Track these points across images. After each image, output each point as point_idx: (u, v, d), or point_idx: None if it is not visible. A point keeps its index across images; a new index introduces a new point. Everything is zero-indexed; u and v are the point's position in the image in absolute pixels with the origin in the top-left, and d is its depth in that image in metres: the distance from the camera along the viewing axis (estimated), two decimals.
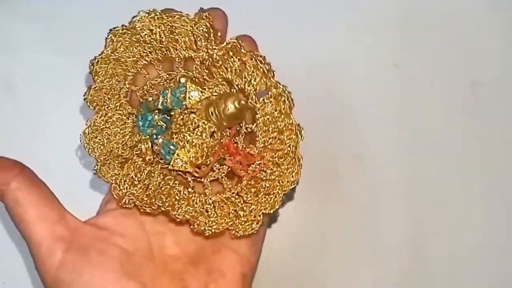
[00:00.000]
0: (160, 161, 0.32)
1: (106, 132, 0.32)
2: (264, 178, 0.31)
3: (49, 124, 0.43)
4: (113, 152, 0.32)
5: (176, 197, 0.32)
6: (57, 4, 0.45)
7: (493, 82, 0.45)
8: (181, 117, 0.31)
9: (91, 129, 0.32)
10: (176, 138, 0.31)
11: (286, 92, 0.31)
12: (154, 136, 0.32)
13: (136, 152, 0.32)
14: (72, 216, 0.32)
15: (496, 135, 0.45)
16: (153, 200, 0.31)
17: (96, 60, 0.32)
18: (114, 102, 0.32)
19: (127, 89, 0.33)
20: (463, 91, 0.45)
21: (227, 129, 0.32)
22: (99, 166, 0.32)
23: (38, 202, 0.31)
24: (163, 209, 0.31)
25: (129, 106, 0.33)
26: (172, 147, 0.31)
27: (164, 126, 0.32)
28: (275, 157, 0.31)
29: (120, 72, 0.32)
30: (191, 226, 0.31)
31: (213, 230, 0.31)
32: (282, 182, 0.31)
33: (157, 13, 0.32)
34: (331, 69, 0.45)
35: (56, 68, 0.44)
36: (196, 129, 0.31)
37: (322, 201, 0.44)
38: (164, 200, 0.31)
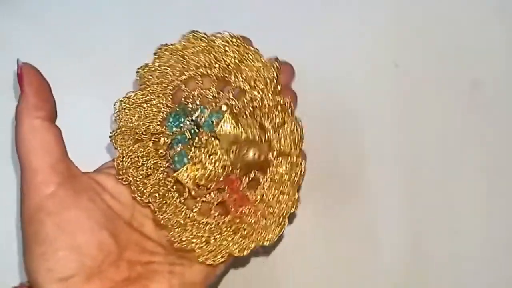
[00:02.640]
0: (166, 162, 0.34)
1: (140, 109, 0.34)
2: (246, 223, 0.33)
3: None
4: (135, 129, 0.33)
5: (168, 200, 0.33)
6: (58, 4, 0.45)
7: (494, 81, 0.45)
8: (206, 138, 0.33)
9: (128, 99, 0.34)
10: (193, 153, 0.33)
11: (303, 166, 0.33)
12: (176, 142, 0.33)
13: (154, 139, 0.34)
14: (73, 164, 0.33)
15: (496, 135, 0.45)
16: (147, 194, 0.33)
17: (166, 47, 0.34)
18: (160, 88, 0.34)
19: (176, 85, 0.34)
20: (463, 91, 0.45)
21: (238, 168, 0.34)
22: (117, 133, 0.33)
23: (50, 138, 0.32)
24: (151, 206, 0.33)
25: (170, 98, 0.34)
26: (186, 159, 0.33)
27: (188, 137, 0.33)
28: (265, 211, 0.33)
29: (180, 67, 0.34)
30: (168, 233, 0.33)
31: (182, 245, 0.33)
32: (259, 236, 0.33)
33: (239, 39, 0.34)
34: (331, 69, 0.45)
35: (56, 68, 0.43)
36: (213, 156, 0.33)
37: (322, 201, 0.44)
38: (157, 199, 0.33)
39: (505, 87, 0.45)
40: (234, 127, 0.33)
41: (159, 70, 0.34)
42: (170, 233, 0.33)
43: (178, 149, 0.33)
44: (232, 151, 0.33)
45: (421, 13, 0.46)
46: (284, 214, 0.33)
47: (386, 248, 0.44)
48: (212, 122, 0.33)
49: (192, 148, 0.33)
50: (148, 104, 0.34)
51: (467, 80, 0.45)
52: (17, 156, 0.32)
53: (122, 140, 0.33)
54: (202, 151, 0.33)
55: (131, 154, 0.33)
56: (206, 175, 0.33)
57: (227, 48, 0.34)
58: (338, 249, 0.44)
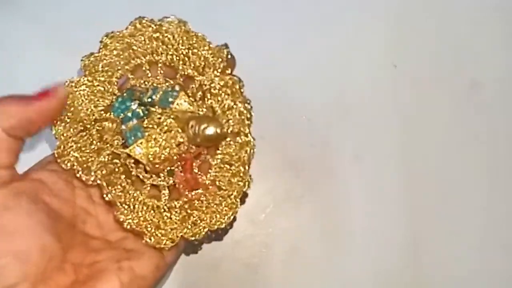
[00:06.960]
0: (114, 145, 0.33)
1: (82, 96, 0.33)
2: (198, 207, 0.33)
3: None
4: (77, 116, 0.33)
5: (115, 180, 0.33)
6: (58, 4, 0.45)
7: (492, 82, 0.46)
8: (159, 116, 0.33)
9: (75, 83, 0.33)
10: (147, 130, 0.32)
11: (252, 144, 0.33)
12: (128, 117, 0.33)
13: (97, 127, 0.33)
14: (15, 170, 0.32)
15: (495, 135, 0.45)
16: (94, 169, 0.32)
17: (112, 34, 0.33)
18: (105, 75, 0.33)
19: (122, 72, 0.34)
20: (462, 91, 0.46)
21: (193, 148, 0.33)
22: (58, 123, 0.32)
23: None
24: (98, 181, 0.32)
25: (115, 86, 0.33)
26: (139, 133, 0.32)
27: (140, 115, 0.33)
28: (217, 195, 0.33)
29: (127, 55, 0.33)
30: (115, 212, 0.32)
31: (132, 225, 0.32)
32: (212, 220, 0.32)
33: (185, 25, 0.33)
34: (330, 69, 0.45)
35: (58, 68, 0.43)
36: (168, 133, 0.32)
37: (322, 201, 0.44)
38: (104, 174, 0.32)
39: (504, 87, 0.46)
40: (190, 104, 0.33)
41: (105, 58, 0.33)
42: (120, 213, 0.32)
43: (131, 123, 0.32)
44: (191, 127, 0.32)
45: (419, 14, 0.46)
46: (236, 196, 0.33)
47: (385, 248, 0.44)
48: (168, 99, 0.32)
49: (146, 128, 0.33)
50: (91, 91, 0.33)
51: (466, 80, 0.46)
52: None
53: (63, 130, 0.32)
54: (156, 128, 0.32)
55: (71, 144, 0.32)
56: (161, 152, 0.32)
57: (175, 35, 0.33)
58: (336, 248, 0.44)
